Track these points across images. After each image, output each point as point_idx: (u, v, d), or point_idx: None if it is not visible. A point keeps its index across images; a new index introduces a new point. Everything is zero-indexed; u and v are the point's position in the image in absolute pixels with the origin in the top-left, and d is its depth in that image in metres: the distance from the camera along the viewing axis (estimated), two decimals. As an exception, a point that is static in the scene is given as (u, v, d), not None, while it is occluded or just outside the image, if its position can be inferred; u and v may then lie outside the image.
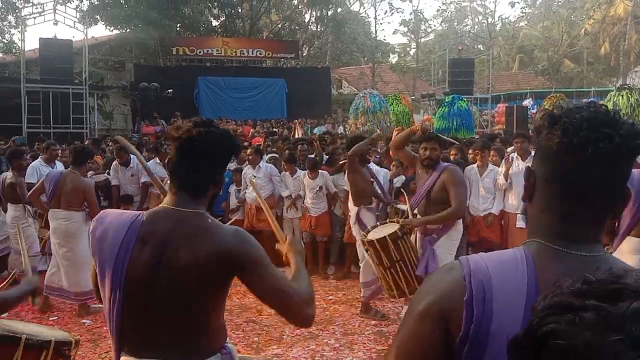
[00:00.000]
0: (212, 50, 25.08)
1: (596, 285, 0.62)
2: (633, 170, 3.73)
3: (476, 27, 40.75)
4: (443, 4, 35.79)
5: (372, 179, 6.12)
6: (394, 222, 5.07)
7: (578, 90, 23.92)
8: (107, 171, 8.33)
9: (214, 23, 31.08)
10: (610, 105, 15.18)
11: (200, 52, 24.78)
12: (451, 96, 16.75)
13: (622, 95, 15.07)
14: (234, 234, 1.81)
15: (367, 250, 4.97)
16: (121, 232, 1.78)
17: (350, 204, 6.03)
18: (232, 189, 7.82)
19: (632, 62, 31.15)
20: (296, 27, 32.22)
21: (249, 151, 7.85)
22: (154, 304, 1.75)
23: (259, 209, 7.42)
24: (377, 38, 34.19)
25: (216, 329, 1.88)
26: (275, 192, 7.67)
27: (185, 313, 1.76)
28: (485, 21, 37.58)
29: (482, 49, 33.84)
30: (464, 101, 16.22)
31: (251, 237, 1.86)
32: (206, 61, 25.02)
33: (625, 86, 16.44)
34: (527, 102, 20.69)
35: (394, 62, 36.09)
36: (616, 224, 4.16)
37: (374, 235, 4.88)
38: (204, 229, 1.79)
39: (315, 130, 17.10)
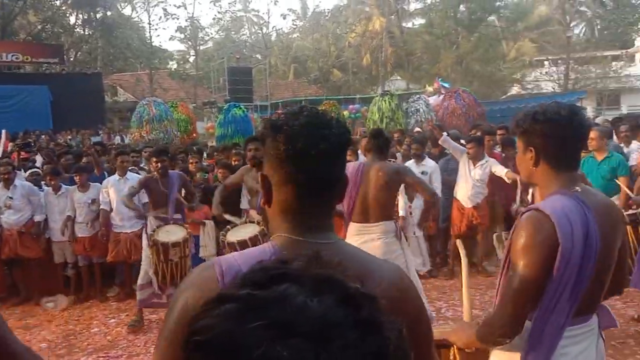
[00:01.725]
0: (-46, 53, 21.59)
1: (259, 272, 0.62)
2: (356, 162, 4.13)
3: (253, 36, 42.02)
4: (219, 12, 36.01)
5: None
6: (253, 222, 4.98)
7: (346, 97, 26.15)
8: None
9: (-44, 22, 26.77)
10: (375, 110, 17.25)
11: (-63, 55, 21.13)
12: (227, 104, 17.12)
13: (385, 101, 17.12)
14: None
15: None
16: None
17: None
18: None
19: (389, 72, 35.24)
20: (60, 30, 29.44)
21: (1, 169, 6.63)
22: None
23: (22, 233, 6.52)
24: (154, 44, 33.03)
25: None
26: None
27: None
28: (260, 31, 38.96)
29: (260, 58, 35.05)
30: (240, 108, 16.66)
31: None
32: (-54, 66, 21.43)
33: (387, 92, 18.76)
34: (303, 109, 21.94)
35: (173, 69, 35.21)
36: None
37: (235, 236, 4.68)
38: None
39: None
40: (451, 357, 2.31)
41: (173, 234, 5.35)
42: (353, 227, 4.25)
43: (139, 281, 5.60)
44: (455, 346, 2.22)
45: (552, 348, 1.85)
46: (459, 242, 5.02)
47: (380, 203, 4.19)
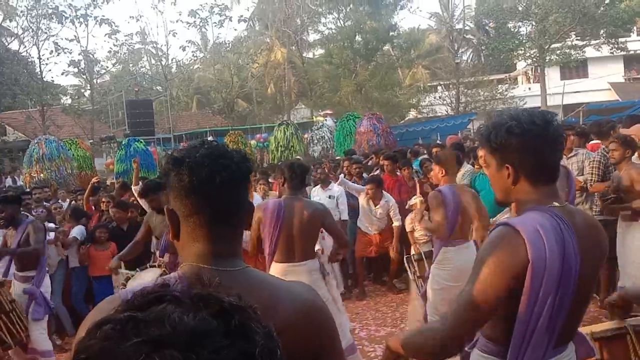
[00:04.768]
0: None
1: (140, 296, 0.67)
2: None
3: (153, 68, 40.99)
4: (115, 45, 34.78)
5: None
6: None
7: (252, 127, 26.15)
8: None
9: None
10: (272, 139, 17.80)
11: None
12: (127, 139, 16.80)
13: (281, 130, 18.24)
14: None
15: None
16: None
17: None
18: None
19: (293, 100, 35.72)
20: (-64, 66, 27.16)
21: None
22: None
23: None
24: (45, 79, 31.29)
25: None
26: None
27: None
28: (160, 63, 38.10)
29: (160, 90, 34.25)
30: (141, 142, 16.32)
31: None
32: None
33: (284, 122, 19.79)
34: (208, 140, 21.80)
35: (67, 104, 33.46)
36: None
37: None
38: None
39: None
40: None
41: None
42: (277, 267, 4.02)
43: None
44: None
45: None
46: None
47: (305, 241, 4.07)
